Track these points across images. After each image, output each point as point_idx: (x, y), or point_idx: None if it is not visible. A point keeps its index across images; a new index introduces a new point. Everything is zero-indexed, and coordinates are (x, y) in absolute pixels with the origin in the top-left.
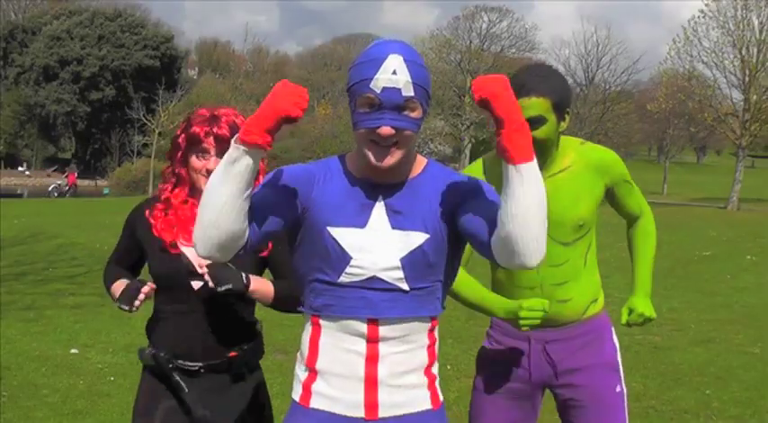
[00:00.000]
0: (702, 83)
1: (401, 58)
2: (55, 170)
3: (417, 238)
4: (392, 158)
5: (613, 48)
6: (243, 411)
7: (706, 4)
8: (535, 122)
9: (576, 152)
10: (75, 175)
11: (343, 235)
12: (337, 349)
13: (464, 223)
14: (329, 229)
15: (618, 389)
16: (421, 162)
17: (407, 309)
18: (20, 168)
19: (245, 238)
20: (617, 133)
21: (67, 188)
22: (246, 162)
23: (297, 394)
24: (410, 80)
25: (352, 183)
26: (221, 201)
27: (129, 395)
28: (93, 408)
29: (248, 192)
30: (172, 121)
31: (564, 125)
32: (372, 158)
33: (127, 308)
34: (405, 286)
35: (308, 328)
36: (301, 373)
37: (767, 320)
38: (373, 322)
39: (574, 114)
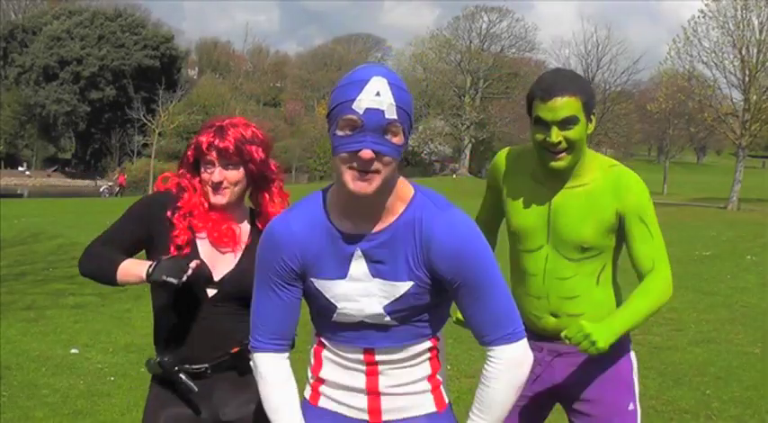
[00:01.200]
0: (702, 83)
1: (385, 81)
2: (55, 170)
3: (400, 288)
4: (371, 186)
5: (613, 48)
6: (256, 405)
7: (706, 5)
8: (569, 123)
9: (601, 171)
10: (125, 176)
11: (326, 286)
12: (339, 365)
13: (459, 305)
14: (313, 280)
15: (631, 407)
16: (405, 196)
17: (401, 338)
18: (20, 168)
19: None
20: (617, 133)
21: (118, 189)
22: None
23: (307, 393)
24: (394, 103)
25: (332, 236)
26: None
27: (129, 395)
28: (93, 408)
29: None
30: (172, 121)
31: (591, 127)
32: (351, 185)
33: (176, 281)
34: (394, 323)
35: (314, 339)
36: (310, 377)
37: (767, 320)
38: (369, 351)
39: None
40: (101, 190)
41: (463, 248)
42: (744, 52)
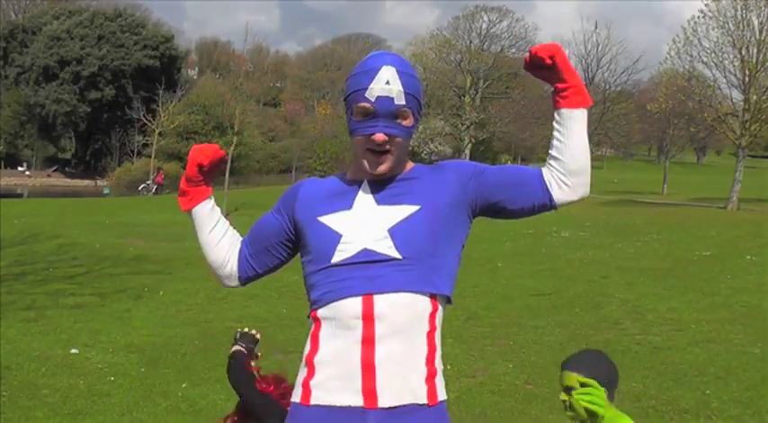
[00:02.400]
0: (702, 83)
1: (394, 70)
2: (55, 170)
3: (406, 210)
4: (385, 166)
5: (613, 48)
6: None
7: (706, 5)
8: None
9: None
10: (163, 175)
11: (332, 219)
12: (334, 337)
13: (496, 184)
14: (319, 219)
15: None
16: (410, 165)
17: (402, 282)
18: (20, 168)
19: (228, 268)
20: (617, 133)
21: (155, 187)
22: (196, 216)
23: (297, 395)
24: (402, 90)
25: (341, 180)
26: (200, 243)
27: (129, 395)
28: (93, 408)
29: (212, 228)
30: (172, 121)
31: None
32: (368, 166)
33: None
34: (396, 254)
35: (311, 328)
36: (301, 372)
37: (767, 320)
38: (368, 297)
39: None
40: (139, 188)
41: (474, 163)
42: (744, 52)
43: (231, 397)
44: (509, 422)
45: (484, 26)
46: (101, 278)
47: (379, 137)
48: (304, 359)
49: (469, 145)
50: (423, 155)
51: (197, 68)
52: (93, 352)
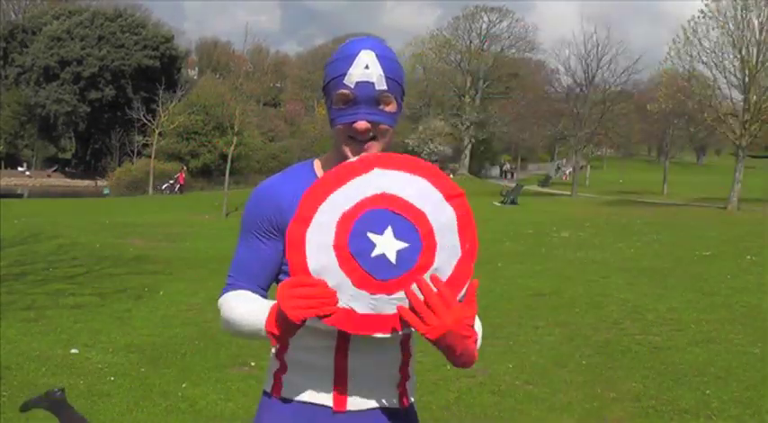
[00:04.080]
0: (702, 83)
1: (373, 54)
2: (55, 170)
3: None
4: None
5: (613, 48)
6: None
7: (706, 5)
8: None
9: None
10: (184, 175)
11: None
12: (305, 340)
13: None
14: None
15: None
16: None
17: None
18: (20, 168)
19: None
20: (617, 133)
21: (177, 186)
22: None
23: (268, 385)
24: (383, 74)
25: (316, 178)
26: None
27: (129, 395)
28: (93, 408)
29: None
30: (172, 121)
31: None
32: (351, 155)
33: None
34: None
35: None
36: (273, 363)
37: (767, 320)
38: None
39: (574, 114)
40: (162, 187)
41: None
42: (744, 52)
43: (231, 397)
44: (509, 422)
45: (484, 26)
46: (101, 278)
47: (361, 124)
48: (274, 354)
49: (469, 145)
50: (423, 155)
51: (197, 69)
52: (93, 352)
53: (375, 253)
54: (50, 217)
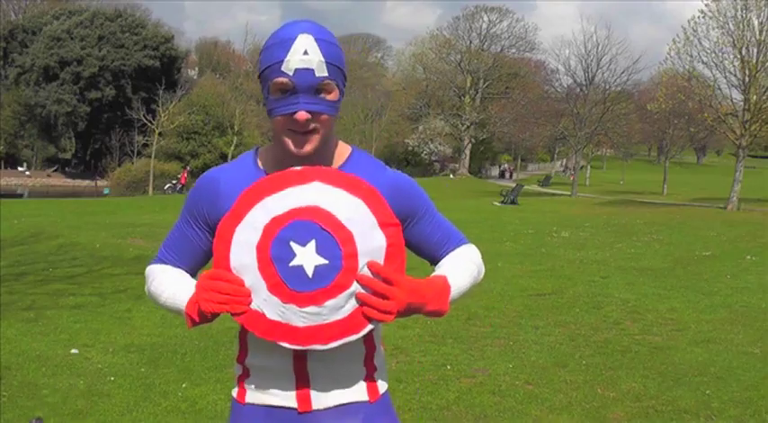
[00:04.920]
0: (702, 83)
1: (312, 38)
2: (55, 170)
3: None
4: (311, 145)
5: (613, 48)
6: None
7: (706, 5)
8: None
9: None
10: (186, 174)
11: None
12: (264, 342)
13: (415, 238)
14: None
15: None
16: (344, 150)
17: None
18: (20, 168)
19: None
20: (617, 133)
21: (180, 186)
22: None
23: (234, 391)
24: (323, 60)
25: (257, 171)
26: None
27: (129, 395)
28: (93, 408)
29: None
30: (172, 121)
31: None
32: (291, 146)
33: None
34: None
35: (239, 327)
36: (236, 368)
37: (767, 320)
38: None
39: (574, 114)
40: (165, 187)
41: (412, 186)
42: (744, 52)
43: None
44: (509, 422)
45: (484, 26)
46: (101, 278)
47: (302, 115)
48: (236, 359)
49: (469, 145)
50: (423, 155)
51: (197, 68)
52: (93, 352)
53: (293, 263)
54: (50, 217)
